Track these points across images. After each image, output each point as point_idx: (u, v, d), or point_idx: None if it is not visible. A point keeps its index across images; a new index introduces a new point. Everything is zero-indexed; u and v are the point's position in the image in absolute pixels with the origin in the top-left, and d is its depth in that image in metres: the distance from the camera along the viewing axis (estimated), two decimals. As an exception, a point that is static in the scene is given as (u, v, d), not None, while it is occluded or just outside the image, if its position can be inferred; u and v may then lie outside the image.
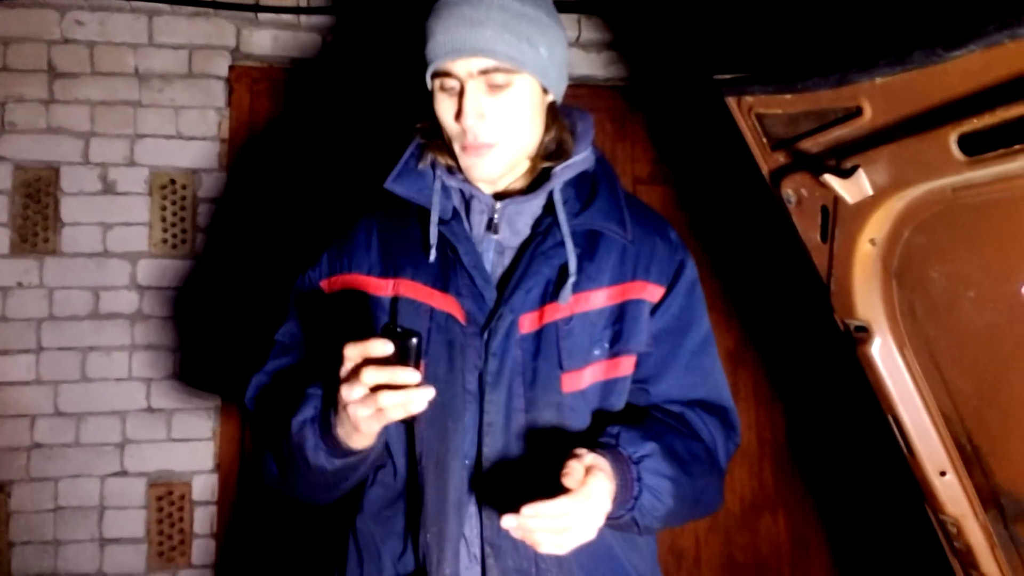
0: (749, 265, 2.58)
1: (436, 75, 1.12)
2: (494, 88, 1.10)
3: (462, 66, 1.09)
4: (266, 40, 2.44)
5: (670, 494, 1.09)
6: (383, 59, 2.46)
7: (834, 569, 2.60)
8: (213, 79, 2.41)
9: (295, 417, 1.09)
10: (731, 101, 1.28)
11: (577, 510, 0.95)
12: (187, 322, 2.37)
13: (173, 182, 2.38)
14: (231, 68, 2.42)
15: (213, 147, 2.41)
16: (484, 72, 1.09)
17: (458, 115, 1.10)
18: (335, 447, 1.06)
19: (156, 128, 2.38)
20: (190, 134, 2.40)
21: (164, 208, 2.38)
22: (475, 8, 1.08)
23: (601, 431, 1.14)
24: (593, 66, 2.55)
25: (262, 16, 2.43)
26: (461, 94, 1.10)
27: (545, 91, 1.15)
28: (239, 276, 2.37)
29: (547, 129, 1.18)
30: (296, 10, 2.44)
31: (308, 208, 2.38)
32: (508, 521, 0.94)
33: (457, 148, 1.14)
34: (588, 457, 1.01)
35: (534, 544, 0.97)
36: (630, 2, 2.54)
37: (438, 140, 1.18)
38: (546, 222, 1.17)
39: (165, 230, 2.38)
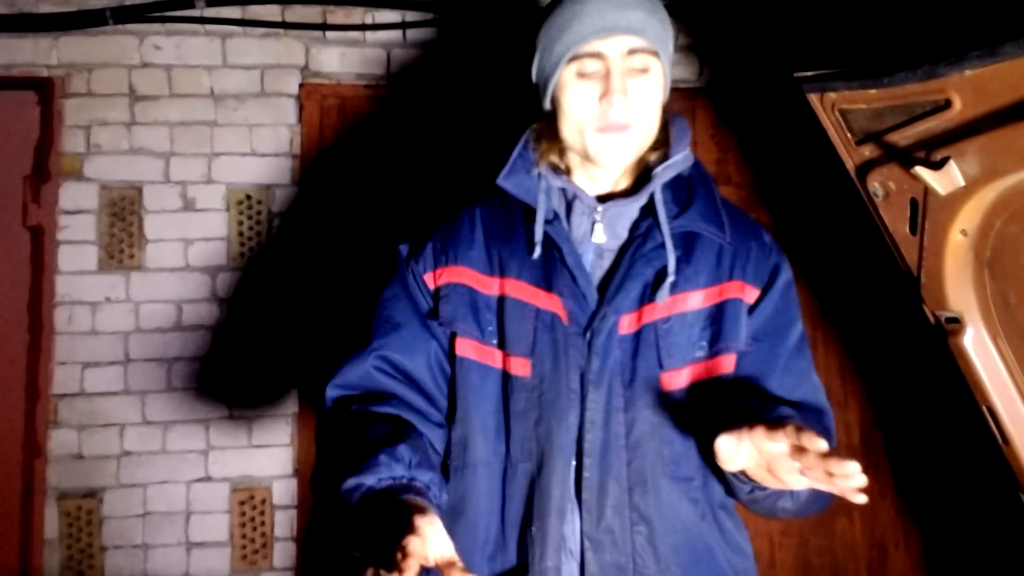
0: (820, 264, 2.57)
1: (575, 59, 1.13)
2: (636, 71, 1.13)
3: (613, 45, 1.11)
4: (334, 57, 2.51)
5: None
6: (446, 73, 2.52)
7: (913, 572, 2.55)
8: (284, 97, 2.49)
9: (355, 475, 1.02)
10: (813, 98, 1.30)
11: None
12: (264, 332, 2.44)
13: (249, 198, 2.47)
14: (301, 86, 2.49)
15: (286, 163, 2.49)
16: (632, 52, 1.12)
17: (603, 95, 1.12)
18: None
19: (231, 146, 2.47)
20: (263, 151, 2.48)
21: (241, 223, 2.46)
22: None
23: (701, 427, 1.15)
24: (654, 71, 2.56)
25: (329, 34, 2.51)
26: (605, 76, 1.12)
27: (664, 87, 1.18)
28: (312, 287, 2.43)
29: (660, 127, 1.20)
30: (361, 27, 2.51)
31: (378, 219, 2.44)
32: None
33: (591, 131, 1.15)
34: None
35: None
36: (692, 4, 2.56)
37: (552, 138, 1.21)
38: (644, 225, 1.19)
39: (242, 244, 2.46)
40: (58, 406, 2.35)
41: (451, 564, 0.89)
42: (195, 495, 2.39)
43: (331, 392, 1.22)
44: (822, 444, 0.90)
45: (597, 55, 1.12)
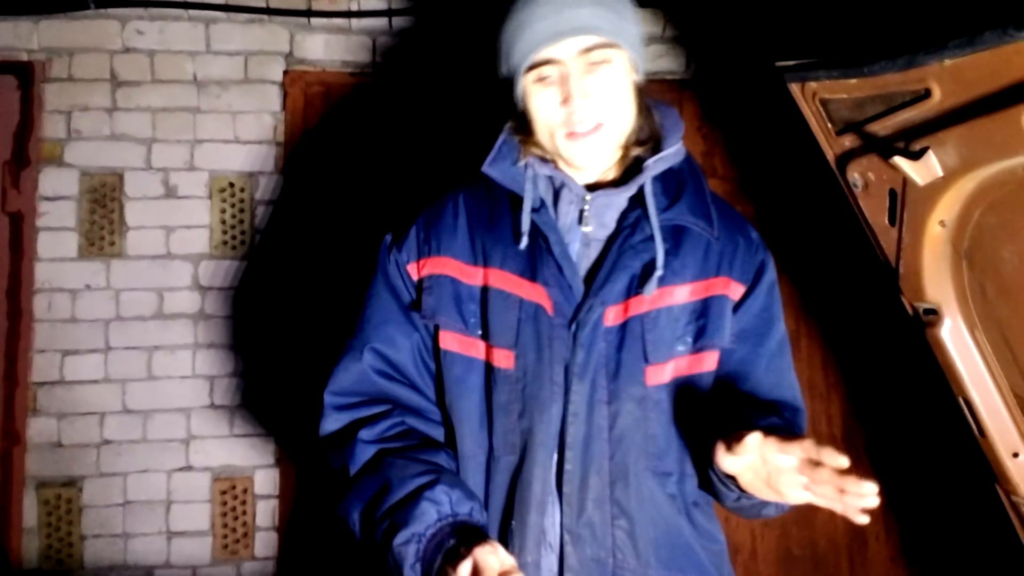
0: (805, 257, 2.57)
1: (533, 67, 1.12)
2: (594, 66, 1.11)
3: (565, 48, 1.10)
4: (318, 44, 2.49)
5: None
6: (431, 60, 2.50)
7: (893, 563, 2.57)
8: (268, 84, 2.47)
9: (404, 528, 1.05)
10: (794, 88, 1.29)
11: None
12: (246, 321, 2.43)
13: (231, 185, 2.45)
14: (285, 73, 2.47)
15: (269, 150, 2.47)
16: (587, 50, 1.10)
17: (563, 101, 1.11)
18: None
19: (214, 133, 2.45)
20: (247, 138, 2.46)
21: (223, 211, 2.44)
22: None
23: (686, 423, 1.16)
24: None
25: (314, 21, 2.48)
26: (563, 80, 1.11)
27: (635, 69, 1.16)
28: (295, 275, 2.42)
29: (639, 113, 1.18)
30: (347, 14, 2.49)
31: (362, 208, 2.43)
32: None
33: (560, 137, 1.14)
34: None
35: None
36: (676, -3, 2.56)
37: (530, 134, 1.19)
38: (632, 216, 1.18)
39: (224, 232, 2.44)
40: (37, 394, 2.33)
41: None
42: (176, 484, 2.38)
43: (329, 399, 1.21)
44: (843, 461, 0.89)
45: (551, 61, 1.11)
